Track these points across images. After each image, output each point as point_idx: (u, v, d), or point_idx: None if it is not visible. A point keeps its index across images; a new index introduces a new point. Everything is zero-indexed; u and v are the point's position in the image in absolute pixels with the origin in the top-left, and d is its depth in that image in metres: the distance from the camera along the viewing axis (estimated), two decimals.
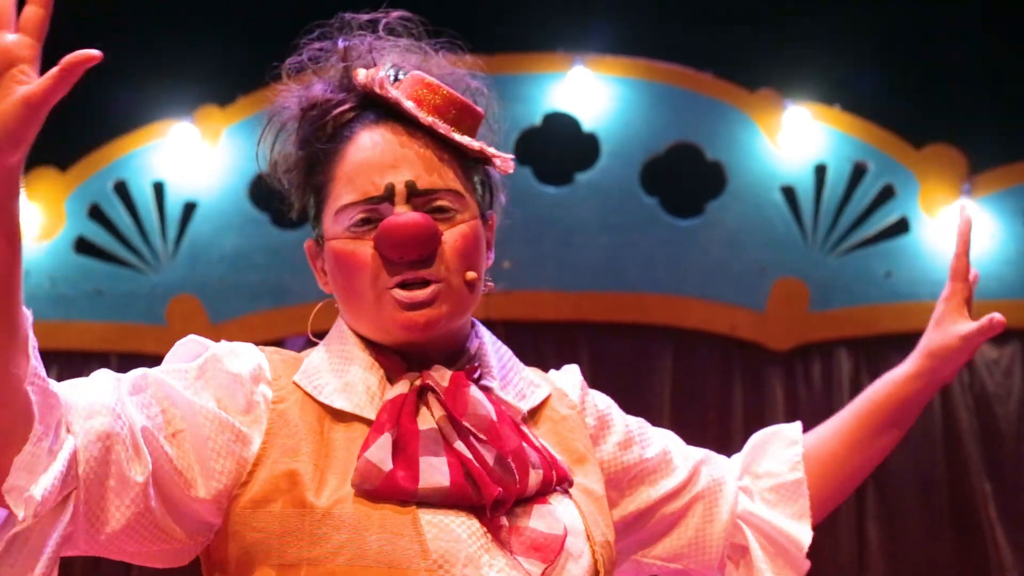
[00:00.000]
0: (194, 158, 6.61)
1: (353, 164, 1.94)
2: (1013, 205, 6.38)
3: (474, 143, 1.95)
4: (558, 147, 6.46)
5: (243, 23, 6.51)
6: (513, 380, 2.04)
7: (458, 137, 1.94)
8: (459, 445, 1.86)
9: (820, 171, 6.50)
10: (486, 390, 1.96)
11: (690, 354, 6.46)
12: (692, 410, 6.24)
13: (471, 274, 1.93)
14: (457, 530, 1.82)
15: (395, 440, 1.85)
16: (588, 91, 6.54)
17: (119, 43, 6.35)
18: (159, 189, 6.65)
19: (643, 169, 6.55)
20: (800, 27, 6.39)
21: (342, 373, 1.96)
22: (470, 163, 1.99)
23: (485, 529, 1.84)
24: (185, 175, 6.62)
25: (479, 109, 2.00)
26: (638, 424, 2.27)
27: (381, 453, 1.83)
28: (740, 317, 6.39)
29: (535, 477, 1.89)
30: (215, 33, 6.49)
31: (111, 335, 6.54)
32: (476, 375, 1.96)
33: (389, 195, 1.90)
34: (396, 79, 1.98)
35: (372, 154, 1.93)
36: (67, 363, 6.51)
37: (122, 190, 6.63)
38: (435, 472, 1.83)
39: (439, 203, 1.92)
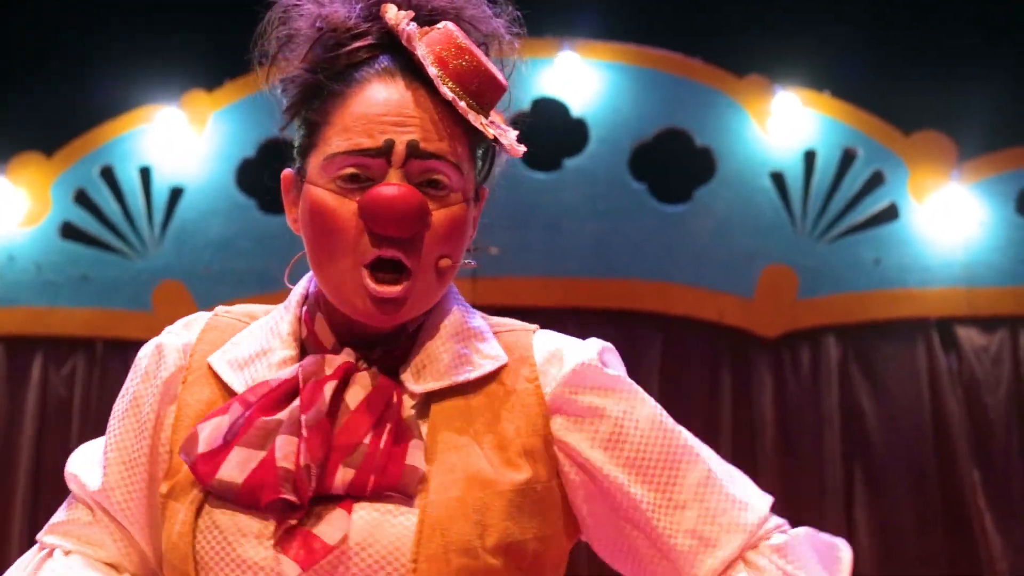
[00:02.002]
0: (181, 143, 6.59)
1: (354, 114, 1.79)
2: (1002, 191, 6.38)
3: (489, 129, 1.80)
4: (546, 133, 6.45)
5: (230, 8, 6.48)
6: (442, 358, 1.85)
7: (473, 118, 1.78)
8: (281, 440, 1.74)
9: (809, 157, 6.49)
10: (391, 373, 1.83)
11: (678, 341, 6.45)
12: (680, 397, 6.21)
13: (445, 261, 1.80)
14: (234, 535, 1.74)
15: (231, 424, 1.77)
16: (576, 76, 6.53)
17: (106, 28, 6.34)
18: (145, 174, 6.62)
19: (632, 155, 6.54)
20: (789, 13, 6.37)
21: (255, 344, 1.92)
22: (479, 136, 1.84)
23: (273, 529, 1.72)
24: (172, 160, 6.60)
25: (503, 81, 1.85)
26: (660, 452, 1.87)
27: (207, 432, 1.77)
28: (728, 304, 6.38)
29: (343, 475, 1.72)
30: (202, 18, 6.46)
31: (97, 321, 6.51)
32: (381, 357, 1.84)
33: (387, 151, 1.76)
34: (428, 22, 1.84)
35: (378, 109, 1.78)
36: (53, 349, 6.50)
37: (108, 175, 6.61)
38: (236, 467, 1.74)
39: (436, 176, 1.78)
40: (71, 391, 6.48)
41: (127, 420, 1.94)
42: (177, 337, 1.98)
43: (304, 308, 1.96)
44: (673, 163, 6.58)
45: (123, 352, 6.49)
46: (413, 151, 1.76)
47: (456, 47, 1.81)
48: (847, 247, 6.43)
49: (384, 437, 1.76)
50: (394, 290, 1.77)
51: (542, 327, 1.96)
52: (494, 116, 1.87)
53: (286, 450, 1.72)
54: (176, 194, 6.62)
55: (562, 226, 6.51)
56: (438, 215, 1.78)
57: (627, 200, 6.51)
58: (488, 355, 1.88)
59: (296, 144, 1.94)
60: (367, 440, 1.75)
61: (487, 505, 1.76)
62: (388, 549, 1.71)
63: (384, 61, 1.83)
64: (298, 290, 2.03)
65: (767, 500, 1.88)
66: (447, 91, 1.77)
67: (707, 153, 6.55)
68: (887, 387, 6.29)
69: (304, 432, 1.73)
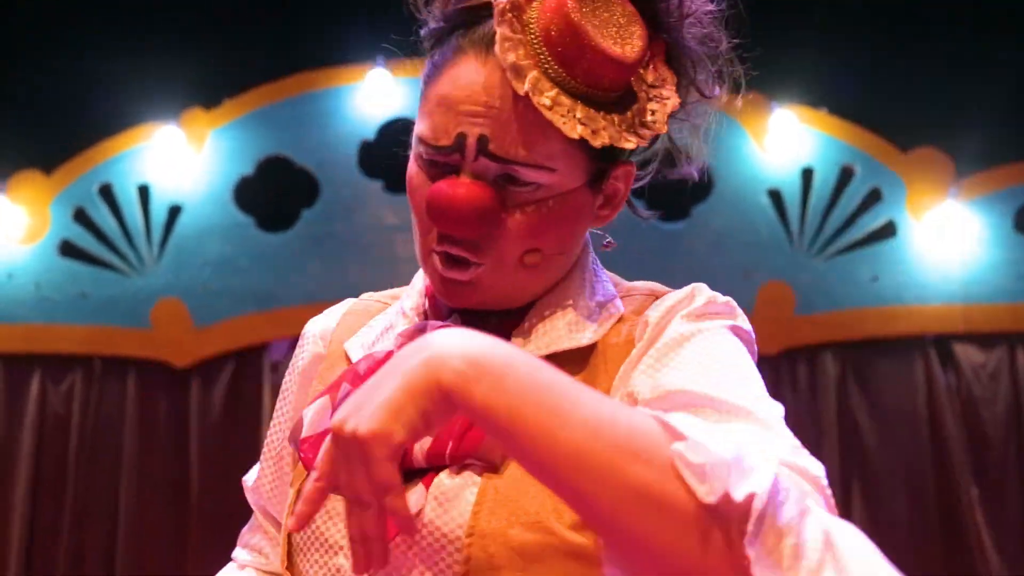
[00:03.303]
0: (179, 161, 6.59)
1: (439, 95, 1.64)
2: (1000, 208, 6.38)
3: (579, 127, 1.60)
4: None
5: (229, 27, 6.50)
6: (556, 327, 1.69)
7: (558, 120, 1.59)
8: None
9: (807, 174, 6.50)
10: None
11: None
12: None
13: (532, 259, 1.66)
14: (323, 518, 1.66)
15: (337, 404, 1.68)
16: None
17: (104, 47, 6.35)
18: (144, 192, 6.62)
19: None
20: (786, 31, 6.38)
21: (388, 317, 1.82)
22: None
23: None
24: (170, 178, 6.60)
25: (630, 58, 1.63)
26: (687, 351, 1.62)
27: (311, 415, 1.70)
28: None
29: (421, 445, 1.59)
30: (201, 37, 6.48)
31: (95, 338, 6.51)
32: (496, 327, 1.69)
33: (459, 147, 1.61)
34: None
35: (458, 93, 1.62)
36: (51, 366, 6.50)
37: (107, 193, 6.61)
38: None
39: (515, 174, 1.62)
40: (69, 408, 6.48)
41: (277, 413, 1.93)
42: (316, 324, 1.93)
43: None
44: (670, 180, 6.58)
45: (121, 369, 6.49)
46: (483, 149, 1.61)
47: (567, 24, 1.61)
48: (845, 264, 6.44)
49: None
50: (461, 274, 1.65)
51: None
52: (660, 74, 1.72)
53: None
54: (175, 212, 6.62)
55: None
56: (516, 215, 1.64)
57: (625, 217, 6.49)
58: (604, 320, 1.72)
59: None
60: None
61: None
62: (457, 522, 1.56)
63: (481, 31, 1.65)
64: None
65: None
66: (521, 78, 1.59)
67: (704, 170, 6.54)
68: (885, 404, 6.30)
69: None
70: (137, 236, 6.59)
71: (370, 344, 1.79)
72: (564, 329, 1.69)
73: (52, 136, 6.64)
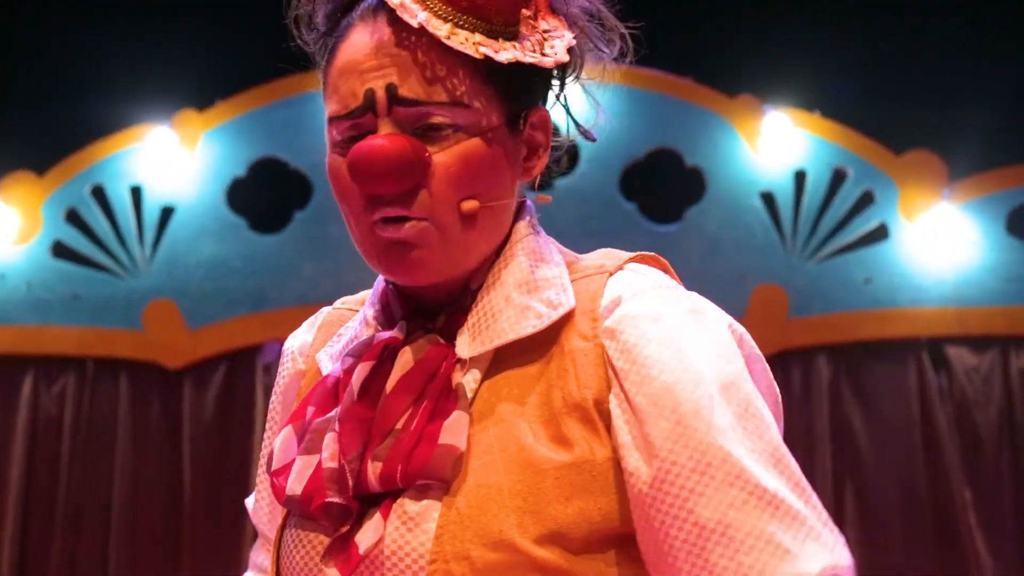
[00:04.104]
0: (172, 162, 6.58)
1: (339, 68, 1.61)
2: (993, 211, 6.39)
3: (481, 48, 1.58)
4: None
5: (222, 28, 6.49)
6: (500, 316, 1.62)
7: (458, 44, 1.56)
8: (328, 439, 1.59)
9: (800, 177, 6.50)
10: (444, 344, 1.62)
11: None
12: None
13: (468, 204, 1.59)
14: (298, 549, 1.62)
15: (300, 431, 1.65)
16: (567, 96, 6.52)
17: (97, 48, 6.35)
18: (137, 193, 6.62)
19: (622, 175, 6.54)
20: (780, 33, 6.39)
21: (355, 325, 1.75)
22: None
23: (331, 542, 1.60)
24: (163, 179, 6.60)
25: None
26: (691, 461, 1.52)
27: (279, 445, 1.66)
28: None
29: (373, 469, 1.55)
30: (194, 37, 6.48)
31: (88, 340, 6.50)
32: (445, 325, 1.65)
33: (370, 104, 1.57)
34: None
35: (357, 56, 1.60)
36: (44, 368, 6.49)
37: (99, 194, 6.60)
38: (297, 477, 1.60)
39: (433, 119, 1.57)
40: (62, 410, 6.46)
41: (266, 435, 1.89)
42: (295, 339, 1.89)
43: (385, 282, 1.74)
44: (664, 183, 6.59)
45: (114, 371, 6.48)
46: (393, 97, 1.57)
47: None
48: (838, 267, 6.44)
49: (417, 417, 1.57)
50: (400, 230, 1.58)
51: None
52: (552, 22, 1.69)
53: (331, 449, 1.57)
54: (167, 213, 6.61)
55: None
56: (441, 158, 1.58)
57: (618, 220, 6.51)
58: (552, 303, 1.63)
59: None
60: (400, 424, 1.57)
61: (530, 489, 1.52)
62: (419, 552, 1.52)
63: (367, 2, 1.64)
64: None
65: (828, 551, 1.52)
66: (417, 17, 1.56)
67: (697, 173, 6.55)
68: (878, 406, 6.30)
69: (336, 426, 1.58)
70: (130, 237, 6.58)
71: (337, 355, 1.72)
72: (508, 319, 1.61)
73: (44, 137, 6.63)
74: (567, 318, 1.62)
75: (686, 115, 6.56)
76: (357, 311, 1.83)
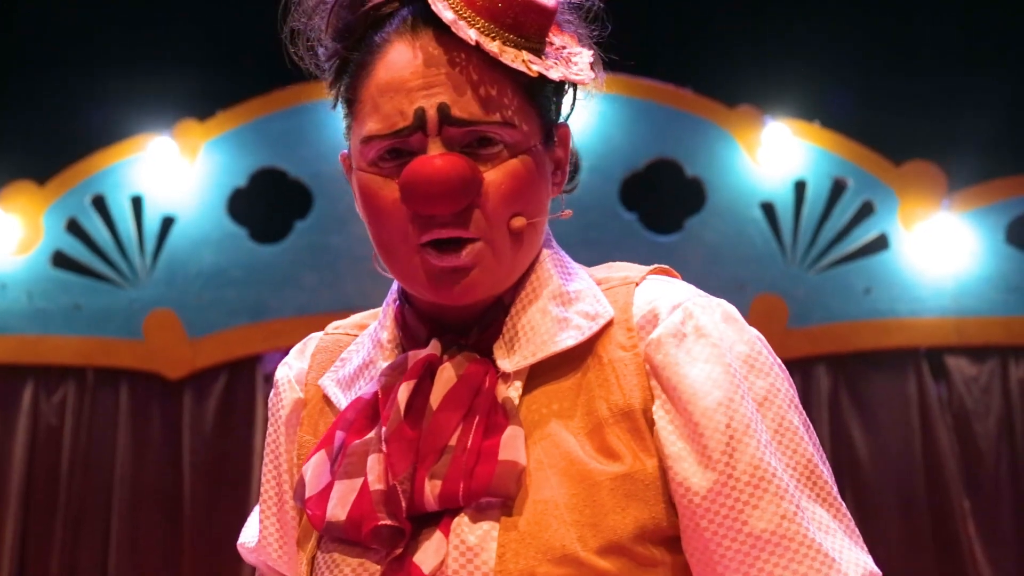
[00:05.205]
0: (172, 172, 6.58)
1: (380, 85, 1.59)
2: (992, 221, 6.39)
3: (533, 65, 1.58)
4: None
5: (222, 38, 6.50)
6: (537, 329, 1.62)
7: (510, 58, 1.56)
8: (371, 460, 1.57)
9: (800, 187, 6.50)
10: (482, 360, 1.61)
11: None
12: None
13: (518, 222, 1.59)
14: (347, 571, 1.59)
15: (335, 455, 1.62)
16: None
17: (98, 58, 6.36)
18: (137, 203, 6.62)
19: (622, 185, 6.55)
20: (780, 44, 6.39)
21: (364, 350, 1.72)
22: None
23: (381, 564, 1.56)
24: (163, 189, 6.60)
25: (547, 3, 1.61)
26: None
27: (311, 471, 1.64)
28: None
29: (431, 489, 1.53)
30: (194, 48, 6.48)
31: (88, 349, 6.50)
32: (477, 341, 1.64)
33: (420, 123, 1.55)
34: None
35: (402, 74, 1.57)
36: (44, 377, 6.50)
37: (100, 204, 6.61)
38: (339, 503, 1.57)
39: (483, 135, 1.57)
40: (62, 420, 6.46)
41: (267, 468, 1.81)
42: (289, 369, 1.83)
43: (398, 303, 1.73)
44: (664, 193, 6.59)
45: (114, 381, 6.49)
46: (445, 117, 1.55)
47: None
48: (837, 277, 6.44)
49: (471, 434, 1.55)
50: (458, 258, 1.56)
51: None
52: (561, 39, 1.68)
53: (377, 471, 1.55)
54: (168, 223, 6.62)
55: None
56: (492, 176, 1.57)
57: (618, 230, 6.51)
58: (590, 315, 1.64)
59: (343, 124, 1.71)
60: (454, 441, 1.55)
61: (585, 502, 1.53)
62: (482, 571, 1.51)
63: (406, 14, 1.61)
64: (393, 288, 1.78)
65: (864, 559, 1.60)
66: (471, 33, 1.55)
67: (697, 183, 6.55)
68: (877, 416, 6.30)
69: (383, 447, 1.55)
70: (130, 247, 6.58)
71: (347, 380, 1.72)
72: (548, 332, 1.62)
73: (45, 147, 6.64)
74: (602, 330, 1.63)
75: (686, 125, 6.57)
76: (354, 335, 1.81)
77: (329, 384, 1.74)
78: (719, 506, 1.53)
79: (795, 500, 1.56)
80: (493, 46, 1.56)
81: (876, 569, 1.58)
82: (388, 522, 1.53)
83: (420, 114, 1.55)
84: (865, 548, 1.61)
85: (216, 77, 6.50)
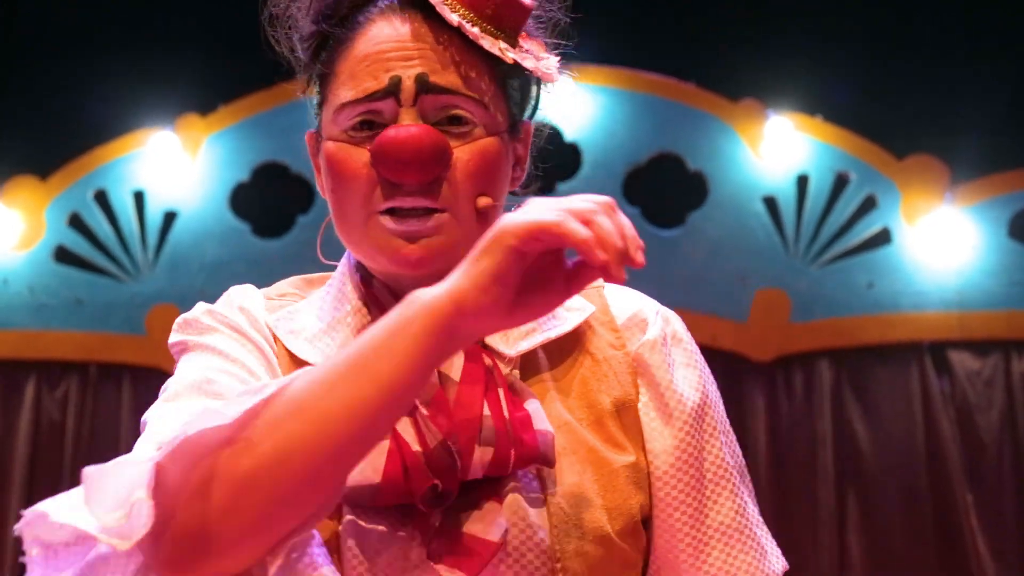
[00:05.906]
0: (175, 167, 6.59)
1: (358, 57, 1.62)
2: (995, 215, 6.38)
3: (508, 54, 1.62)
4: (539, 157, 6.44)
5: (224, 32, 6.50)
6: None
7: (489, 43, 1.60)
8: (402, 425, 1.53)
9: (802, 181, 6.50)
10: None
11: None
12: None
13: (484, 200, 1.61)
14: (378, 543, 1.52)
15: None
16: (570, 100, 6.52)
17: (100, 52, 6.35)
18: (139, 198, 6.62)
19: (625, 179, 6.54)
20: (782, 38, 6.39)
21: (325, 315, 1.72)
22: (506, 65, 1.65)
23: (417, 533, 1.52)
24: (166, 184, 6.60)
25: (525, 1, 1.66)
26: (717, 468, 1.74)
27: None
28: (721, 327, 6.37)
29: (481, 456, 1.52)
30: (196, 42, 6.48)
31: (90, 344, 6.50)
32: None
33: (394, 89, 1.58)
34: None
35: (382, 46, 1.60)
36: (46, 372, 6.49)
37: (102, 199, 6.61)
38: (367, 465, 1.50)
39: (455, 111, 1.60)
40: (64, 414, 6.47)
41: (243, 350, 1.70)
42: (251, 301, 1.81)
43: (359, 276, 1.75)
44: (666, 187, 6.58)
45: (116, 375, 6.49)
46: (423, 85, 1.59)
47: None
48: (840, 271, 6.44)
49: (504, 405, 1.56)
50: (422, 223, 1.59)
51: None
52: (529, 44, 1.71)
53: (409, 434, 1.53)
54: (170, 218, 6.62)
55: None
56: (462, 152, 1.60)
57: None
58: (571, 307, 1.70)
59: (313, 103, 1.74)
60: (487, 411, 1.55)
61: (607, 488, 1.61)
62: (540, 547, 1.54)
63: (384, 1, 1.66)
64: (345, 261, 1.81)
65: (779, 553, 1.77)
66: (453, 16, 1.60)
67: (700, 177, 6.55)
68: (880, 411, 6.29)
69: (424, 410, 1.53)
70: (132, 242, 6.58)
71: (313, 336, 1.69)
72: (539, 320, 1.65)
73: (47, 141, 6.64)
74: (586, 325, 1.71)
75: (688, 119, 6.57)
76: (299, 295, 1.83)
77: (286, 335, 1.72)
78: (691, 499, 1.68)
79: (742, 495, 1.73)
80: (474, 30, 1.60)
81: (784, 561, 1.76)
82: (439, 484, 1.51)
83: (396, 80, 1.59)
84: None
85: (218, 72, 6.49)
